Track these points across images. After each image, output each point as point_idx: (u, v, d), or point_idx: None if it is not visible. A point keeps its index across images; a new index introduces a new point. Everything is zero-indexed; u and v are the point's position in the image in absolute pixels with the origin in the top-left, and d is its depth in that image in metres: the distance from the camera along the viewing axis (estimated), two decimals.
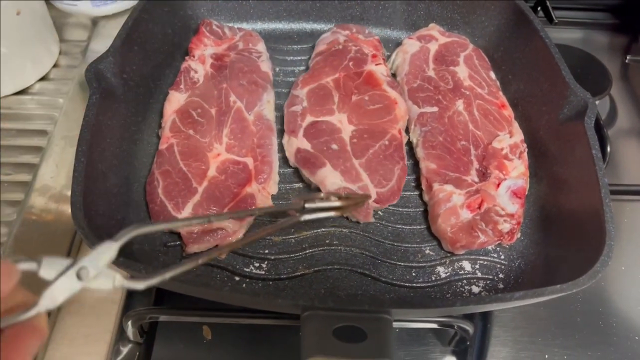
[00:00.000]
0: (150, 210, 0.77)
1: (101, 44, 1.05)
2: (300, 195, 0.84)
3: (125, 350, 0.74)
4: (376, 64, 0.95)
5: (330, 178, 0.79)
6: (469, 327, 0.70)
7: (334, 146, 0.83)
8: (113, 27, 1.09)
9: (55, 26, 1.04)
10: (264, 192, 0.81)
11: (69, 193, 0.77)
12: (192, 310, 0.73)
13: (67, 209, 0.78)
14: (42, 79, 1.00)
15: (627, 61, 1.22)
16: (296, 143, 0.84)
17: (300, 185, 0.85)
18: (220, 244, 0.75)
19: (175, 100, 0.88)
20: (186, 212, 0.76)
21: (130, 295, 0.76)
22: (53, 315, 0.71)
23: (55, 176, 0.85)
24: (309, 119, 0.87)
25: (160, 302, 0.78)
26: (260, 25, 1.08)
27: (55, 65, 1.03)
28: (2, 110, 0.94)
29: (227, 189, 0.79)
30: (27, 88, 0.98)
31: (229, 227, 0.75)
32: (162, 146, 0.83)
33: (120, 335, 0.74)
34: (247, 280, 0.74)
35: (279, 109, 0.94)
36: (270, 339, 0.76)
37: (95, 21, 1.11)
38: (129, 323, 0.70)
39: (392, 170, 0.82)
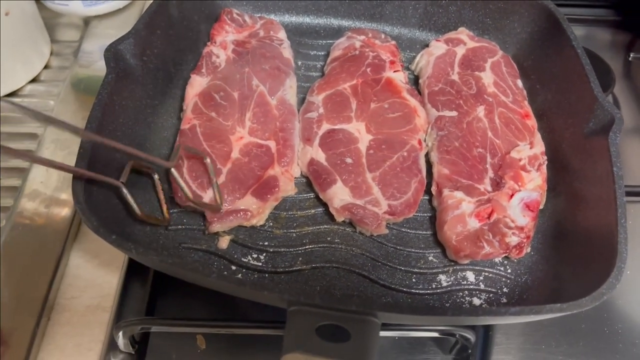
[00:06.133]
0: (174, 189, 0.77)
1: (93, 44, 1.04)
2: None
3: None
4: (394, 71, 0.93)
5: (339, 195, 0.77)
6: (470, 336, 0.68)
7: (349, 160, 0.81)
8: (105, 26, 1.08)
9: (46, 26, 1.02)
10: (287, 174, 0.81)
11: (60, 196, 0.79)
12: (185, 321, 0.71)
13: (59, 212, 0.78)
14: (33, 80, 0.97)
15: (630, 59, 1.18)
16: (310, 153, 0.83)
17: (312, 195, 0.82)
18: (242, 224, 0.76)
19: (197, 84, 0.89)
20: (210, 193, 0.76)
21: (122, 304, 0.74)
22: (43, 324, 0.69)
23: (45, 181, 0.82)
24: (325, 126, 0.86)
25: (153, 310, 0.76)
26: (287, 18, 1.07)
27: (46, 67, 1.00)
28: None
29: (250, 171, 0.79)
30: (17, 90, 0.95)
31: (253, 208, 0.76)
32: (184, 126, 0.83)
33: (111, 346, 0.70)
34: (244, 270, 0.73)
35: (303, 91, 0.94)
36: (266, 348, 0.74)
37: (87, 21, 1.09)
38: (120, 334, 0.68)
39: (409, 183, 0.79)
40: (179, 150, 0.77)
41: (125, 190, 0.68)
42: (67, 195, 0.80)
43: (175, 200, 0.77)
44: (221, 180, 0.78)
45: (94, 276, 0.75)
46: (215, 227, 0.75)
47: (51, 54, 1.02)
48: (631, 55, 1.18)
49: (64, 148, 0.87)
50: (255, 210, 0.76)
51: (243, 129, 0.84)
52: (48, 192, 0.80)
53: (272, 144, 0.82)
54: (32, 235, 0.76)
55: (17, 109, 0.57)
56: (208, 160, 0.78)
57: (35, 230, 0.76)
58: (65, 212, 0.78)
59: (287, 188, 0.80)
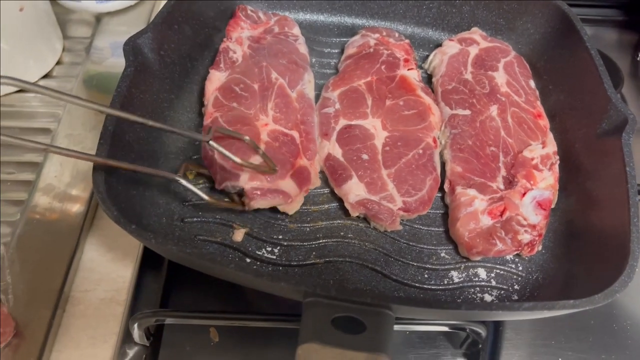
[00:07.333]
0: (213, 173, 0.78)
1: (105, 41, 1.05)
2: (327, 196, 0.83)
3: (131, 352, 0.72)
4: (408, 69, 0.94)
5: (354, 190, 0.78)
6: (481, 330, 0.69)
7: (365, 156, 0.82)
8: (117, 23, 1.09)
9: (58, 23, 1.02)
10: (313, 167, 0.81)
11: (73, 192, 0.80)
12: (199, 313, 0.72)
13: (72, 207, 0.78)
14: (46, 76, 0.98)
15: (638, 59, 1.18)
16: (328, 147, 0.84)
17: (326, 190, 0.83)
18: (280, 206, 0.76)
19: (216, 78, 0.89)
20: (246, 175, 0.75)
21: (136, 297, 0.75)
22: (58, 316, 0.69)
23: (59, 175, 0.83)
24: (342, 121, 0.86)
25: (166, 304, 0.77)
26: (301, 16, 1.08)
27: (58, 62, 1.00)
28: (5, 108, 0.91)
29: (283, 155, 0.79)
30: None
31: (291, 192, 0.76)
32: (207, 121, 0.83)
33: (126, 338, 0.71)
34: (258, 263, 0.74)
35: (318, 88, 0.95)
36: (278, 342, 0.74)
37: (99, 18, 1.09)
38: (135, 325, 0.69)
39: (424, 180, 0.80)
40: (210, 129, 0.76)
41: (184, 182, 0.68)
42: (80, 190, 0.81)
43: (192, 197, 0.78)
44: (257, 160, 0.76)
45: (108, 270, 0.76)
46: (257, 202, 0.74)
47: (63, 50, 1.03)
48: (639, 54, 1.19)
49: (77, 143, 0.88)
50: (293, 194, 0.76)
51: (266, 117, 0.84)
52: (62, 187, 0.81)
53: (295, 135, 0.83)
54: (46, 228, 0.76)
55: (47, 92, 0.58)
56: (247, 137, 0.76)
57: (49, 224, 0.77)
58: (78, 206, 0.79)
59: (315, 181, 0.81)
